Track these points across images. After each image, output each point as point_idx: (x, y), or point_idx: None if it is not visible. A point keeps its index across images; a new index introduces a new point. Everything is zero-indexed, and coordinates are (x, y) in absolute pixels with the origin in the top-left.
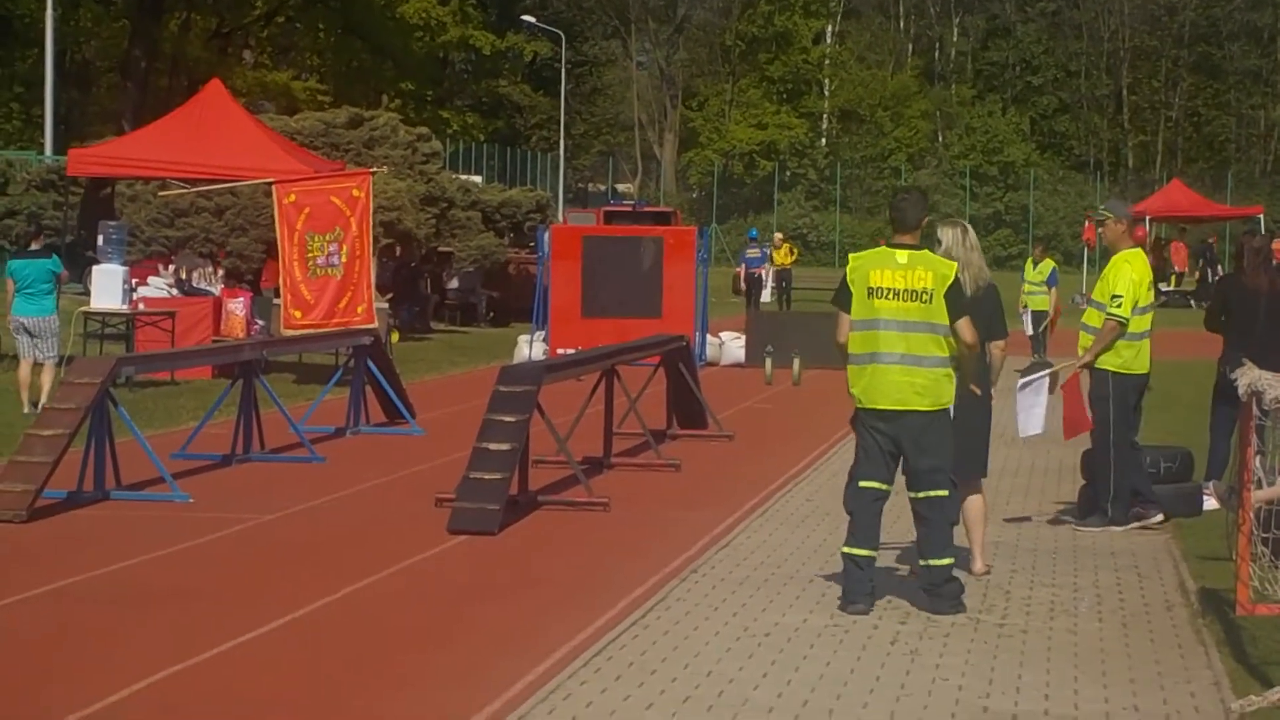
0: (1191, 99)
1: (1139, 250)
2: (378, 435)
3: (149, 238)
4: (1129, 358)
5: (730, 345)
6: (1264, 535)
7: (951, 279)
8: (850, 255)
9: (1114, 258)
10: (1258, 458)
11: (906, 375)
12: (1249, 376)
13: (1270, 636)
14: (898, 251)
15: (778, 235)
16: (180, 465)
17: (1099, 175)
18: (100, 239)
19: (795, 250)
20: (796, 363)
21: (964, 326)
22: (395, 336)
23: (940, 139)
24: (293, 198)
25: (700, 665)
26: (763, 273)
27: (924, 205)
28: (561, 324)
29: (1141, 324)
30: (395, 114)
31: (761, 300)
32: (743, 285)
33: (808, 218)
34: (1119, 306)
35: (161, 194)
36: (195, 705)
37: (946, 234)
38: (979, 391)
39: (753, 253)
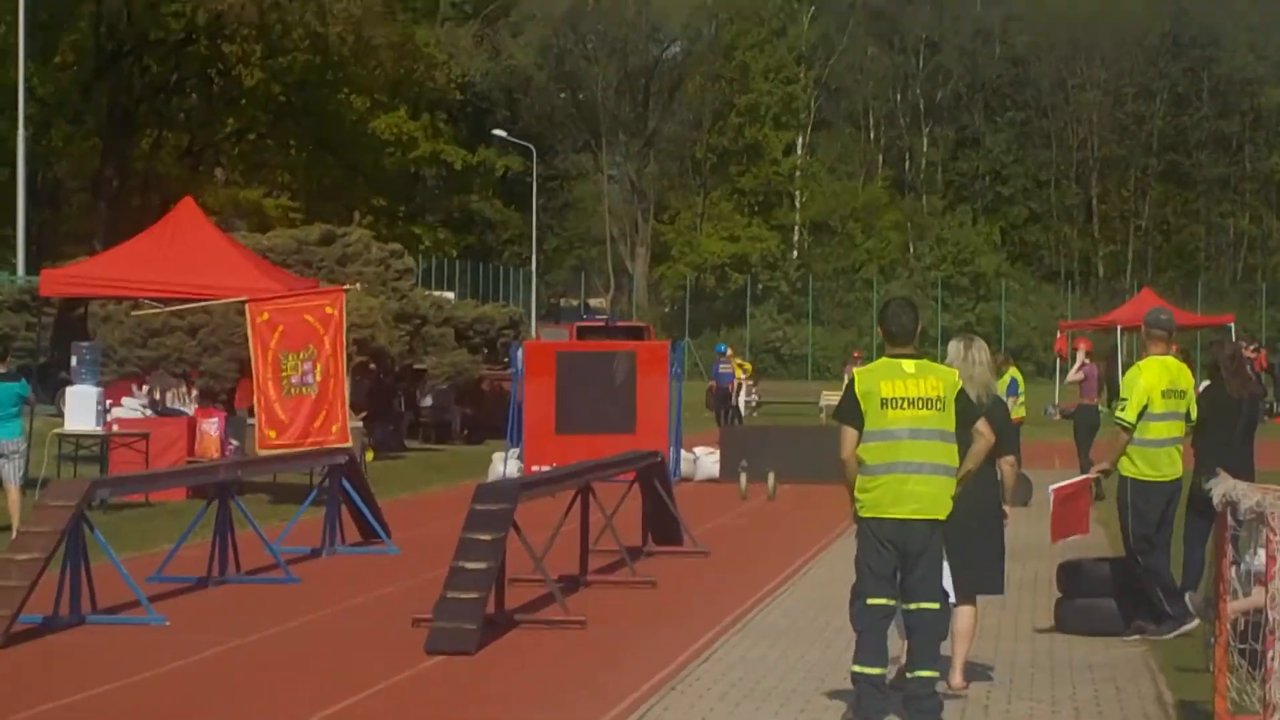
0: (1161, 207)
1: (1157, 358)
2: (353, 555)
3: (122, 358)
4: (1142, 465)
5: (705, 460)
6: (1241, 646)
7: (959, 385)
8: (855, 370)
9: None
10: (1233, 568)
11: (921, 484)
12: (1224, 486)
13: None
14: (904, 361)
15: (728, 352)
16: (156, 588)
17: (1070, 285)
18: (74, 360)
19: (747, 366)
20: (771, 477)
21: (983, 425)
22: (370, 455)
23: (911, 250)
24: (266, 316)
25: None
26: (733, 387)
27: (916, 312)
28: (536, 441)
29: (1157, 431)
30: (367, 230)
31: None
32: (713, 400)
33: (780, 331)
34: (1122, 410)
35: (135, 314)
36: None
37: (951, 347)
38: (1009, 510)
39: (725, 368)
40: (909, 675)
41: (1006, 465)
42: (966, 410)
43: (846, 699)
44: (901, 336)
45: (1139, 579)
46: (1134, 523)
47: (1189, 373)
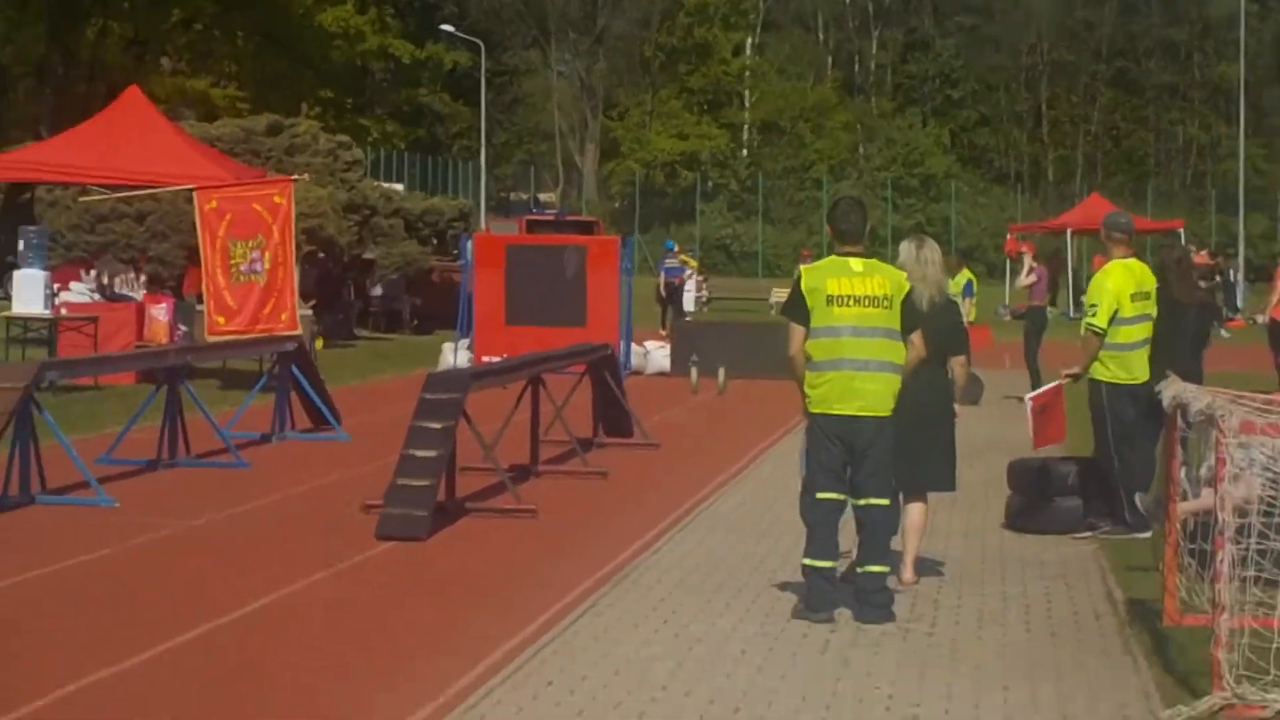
0: (1110, 113)
1: (1121, 261)
2: (303, 441)
3: (69, 243)
4: (1115, 369)
5: (655, 354)
6: (1190, 547)
7: (907, 288)
8: (801, 268)
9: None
10: (1182, 470)
11: (868, 382)
12: (1174, 389)
13: (1198, 647)
14: (851, 260)
15: (675, 249)
16: (105, 470)
17: (1020, 188)
18: (21, 244)
19: (692, 263)
20: (722, 372)
21: (917, 339)
22: (320, 343)
23: (861, 151)
24: (214, 204)
25: (630, 673)
26: (680, 282)
27: (865, 212)
28: (486, 332)
29: (1129, 334)
30: (315, 122)
31: (685, 309)
32: (662, 293)
33: (730, 228)
34: (1093, 316)
35: (82, 199)
36: (122, 711)
37: (903, 248)
38: (958, 409)
39: (671, 262)
40: (859, 570)
41: (958, 365)
42: (910, 316)
43: (797, 591)
44: (850, 235)
45: (1110, 479)
46: (1113, 425)
47: (1151, 274)
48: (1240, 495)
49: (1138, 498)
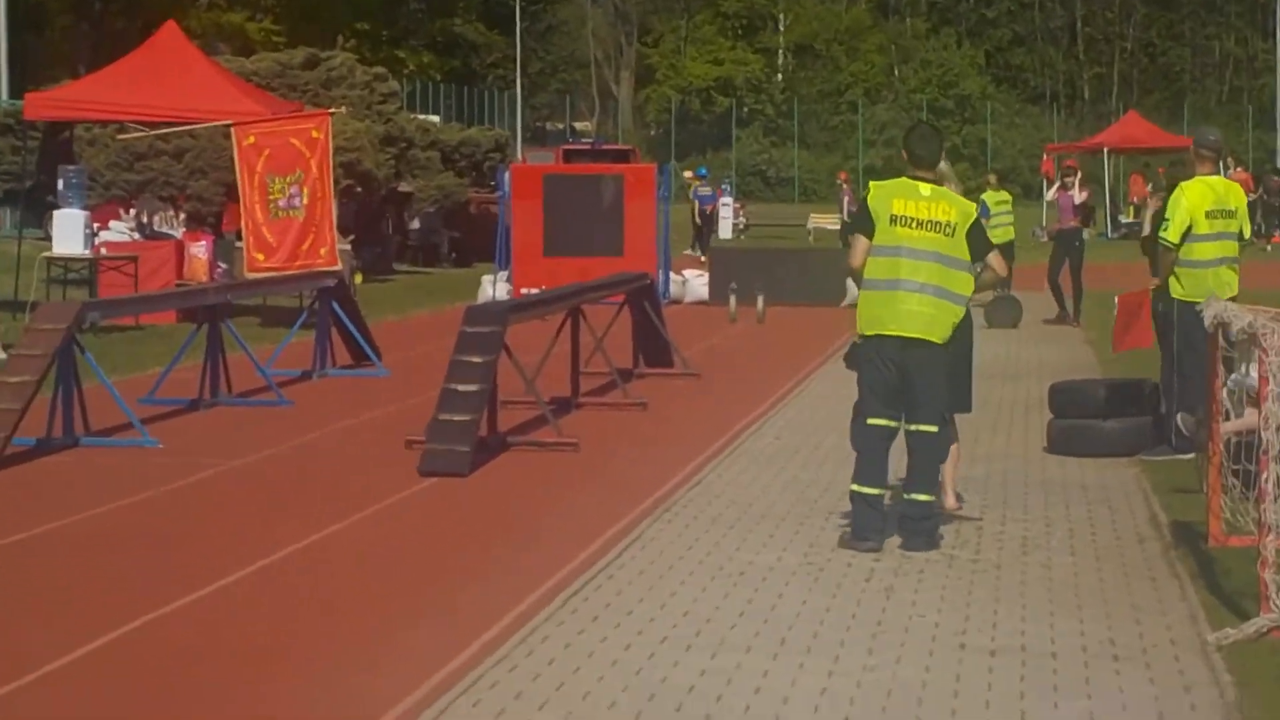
0: (1146, 30)
1: (1202, 178)
2: (344, 378)
3: (108, 182)
4: (1189, 285)
5: (694, 283)
6: (1234, 467)
7: (974, 217)
8: (871, 183)
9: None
10: (1225, 389)
11: (924, 305)
12: (1215, 308)
13: (1243, 569)
14: (920, 184)
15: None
16: (148, 410)
17: (1055, 108)
18: (60, 184)
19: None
20: (760, 300)
21: (995, 260)
22: (359, 278)
23: (896, 73)
24: (252, 139)
25: (676, 605)
26: (713, 209)
27: (941, 140)
28: (524, 264)
29: (1203, 252)
30: (351, 54)
31: (722, 236)
32: (697, 220)
33: (766, 154)
34: (1165, 231)
35: (120, 137)
36: (171, 651)
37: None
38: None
39: (704, 190)
40: (905, 497)
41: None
42: (979, 241)
43: (839, 521)
44: (924, 161)
45: (1167, 398)
46: (1180, 343)
47: (1240, 191)
48: None
49: (1180, 419)
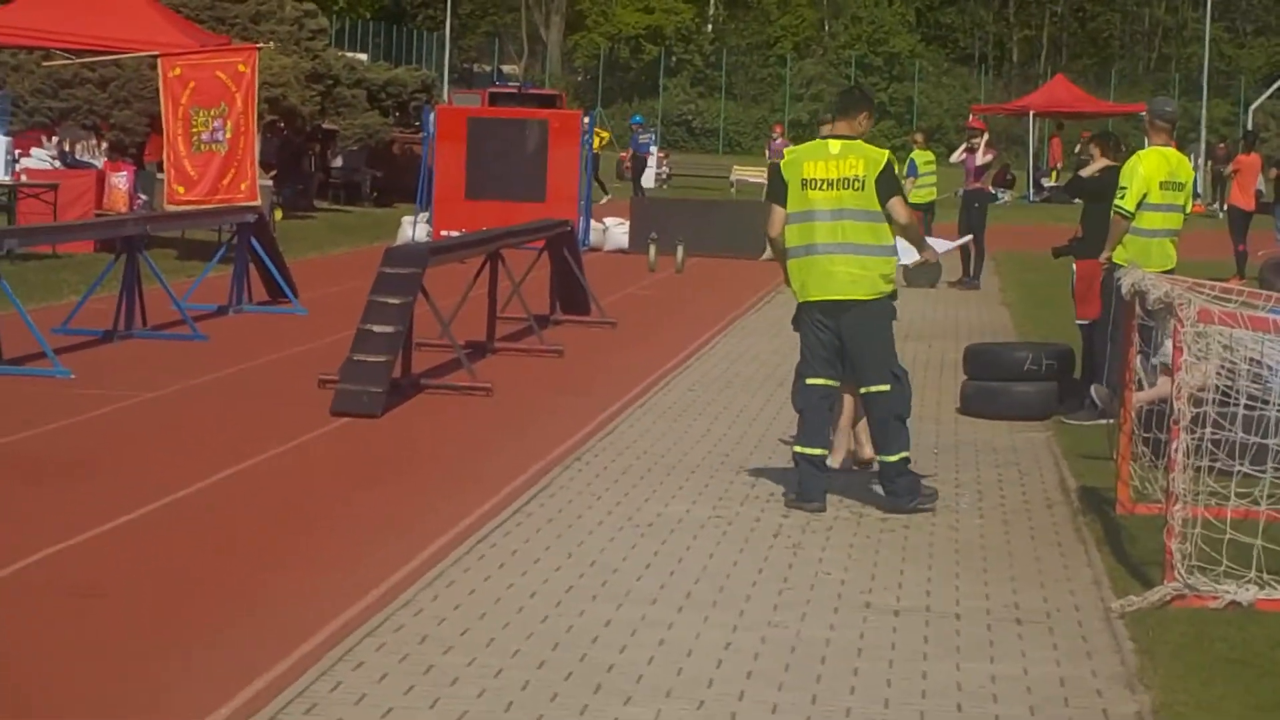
0: None
1: (1158, 149)
2: (260, 314)
3: (32, 108)
4: (1135, 253)
5: (614, 231)
6: (1145, 435)
7: (883, 164)
8: (785, 150)
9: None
10: (1139, 358)
11: (842, 265)
12: (1132, 277)
13: (1150, 536)
14: (831, 142)
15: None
16: (62, 340)
17: (984, 69)
18: None
19: (605, 135)
20: (680, 250)
21: (895, 206)
22: (279, 214)
23: (826, 28)
24: (178, 71)
25: (584, 555)
26: (648, 158)
27: (866, 101)
28: (445, 205)
29: (1151, 221)
30: None
31: (644, 185)
32: (627, 166)
33: (693, 104)
34: (1121, 198)
35: (45, 64)
36: (77, 582)
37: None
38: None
39: (644, 138)
40: (879, 460)
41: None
42: (887, 186)
43: (751, 474)
44: (838, 110)
45: (1096, 361)
46: (1116, 309)
47: (1189, 165)
48: (1196, 384)
49: (1093, 389)
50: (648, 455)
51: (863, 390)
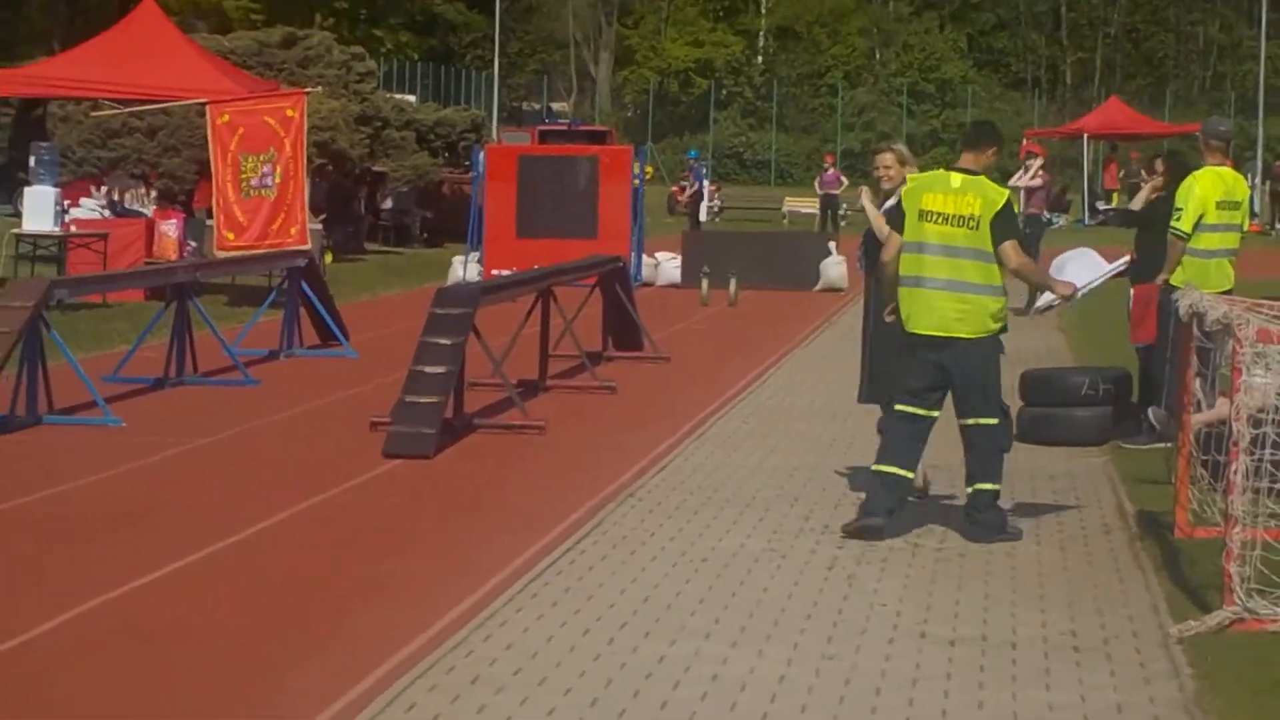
0: (1130, 15)
1: (1213, 168)
2: (311, 358)
3: (81, 159)
4: (1192, 274)
5: (666, 266)
6: (1203, 458)
7: (1000, 205)
8: (909, 176)
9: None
10: (1197, 380)
11: (948, 301)
12: (1190, 298)
13: (1208, 560)
14: (954, 175)
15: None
16: (113, 389)
17: (1037, 93)
18: (32, 160)
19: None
20: (733, 283)
21: (1007, 250)
22: (329, 257)
23: (877, 56)
24: (226, 118)
25: (637, 590)
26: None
27: (996, 136)
28: (496, 245)
29: (1209, 242)
30: (329, 33)
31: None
32: (684, 201)
33: (743, 136)
34: (1177, 220)
35: (94, 114)
36: (134, 631)
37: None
38: (891, 319)
39: (702, 171)
40: (969, 489)
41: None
42: (1006, 228)
43: (806, 505)
44: (966, 143)
45: (1154, 384)
46: (1174, 332)
47: (1245, 184)
48: (1255, 405)
49: (1150, 412)
50: (702, 489)
51: (969, 422)
